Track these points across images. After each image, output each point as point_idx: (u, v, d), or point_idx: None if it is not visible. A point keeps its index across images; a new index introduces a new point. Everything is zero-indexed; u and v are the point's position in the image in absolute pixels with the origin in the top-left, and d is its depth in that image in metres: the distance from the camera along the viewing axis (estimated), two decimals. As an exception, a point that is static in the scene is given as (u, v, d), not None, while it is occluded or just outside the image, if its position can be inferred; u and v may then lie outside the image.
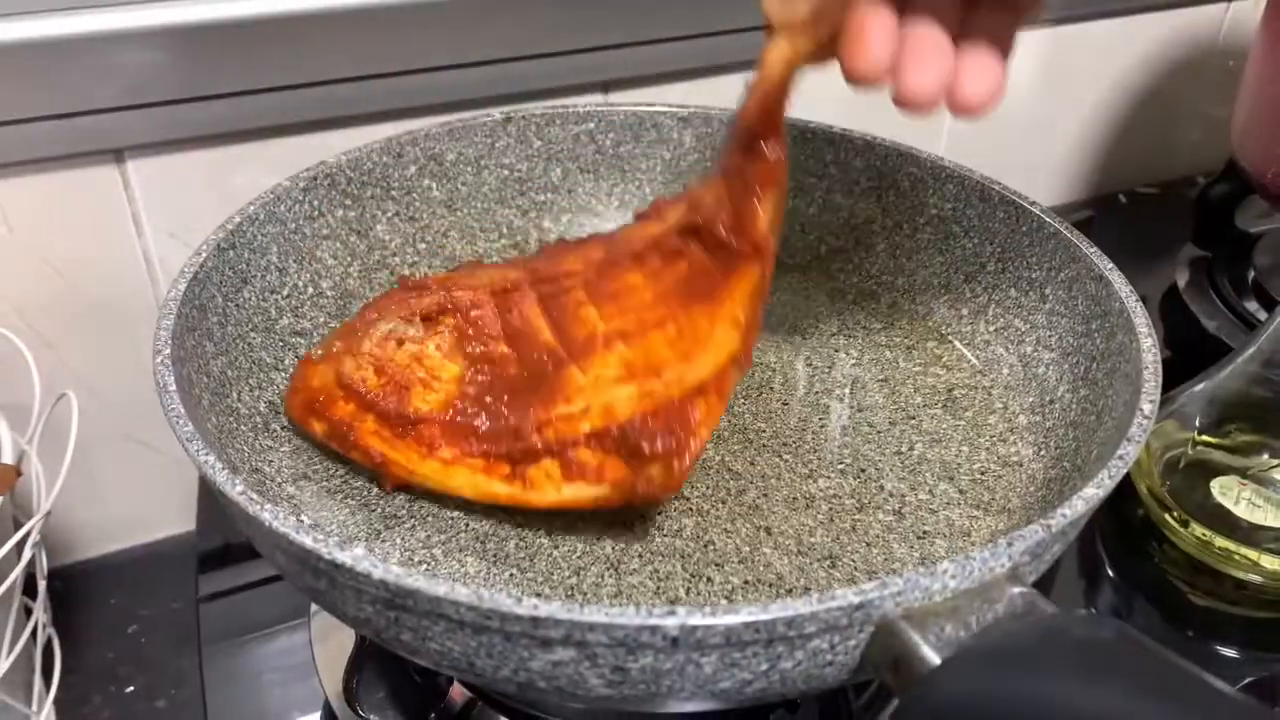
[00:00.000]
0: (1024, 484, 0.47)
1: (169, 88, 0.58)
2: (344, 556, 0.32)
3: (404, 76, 0.63)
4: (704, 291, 0.47)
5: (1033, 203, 0.54)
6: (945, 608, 0.32)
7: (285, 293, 0.53)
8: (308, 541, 0.32)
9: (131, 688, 0.62)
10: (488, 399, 0.46)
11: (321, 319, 0.54)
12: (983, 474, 0.48)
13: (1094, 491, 0.36)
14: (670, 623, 0.30)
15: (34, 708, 0.54)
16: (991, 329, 0.55)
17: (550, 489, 0.43)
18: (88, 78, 0.55)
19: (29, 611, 0.54)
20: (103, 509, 0.68)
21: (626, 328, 0.47)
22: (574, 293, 0.49)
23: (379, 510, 0.45)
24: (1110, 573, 0.60)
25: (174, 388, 0.39)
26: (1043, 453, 0.48)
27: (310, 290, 0.54)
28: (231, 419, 0.46)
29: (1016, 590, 0.33)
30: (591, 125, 0.62)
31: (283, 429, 0.48)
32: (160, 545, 0.70)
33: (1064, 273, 0.51)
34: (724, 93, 0.72)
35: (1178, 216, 0.85)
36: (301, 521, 0.36)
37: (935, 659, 0.30)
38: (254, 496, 0.34)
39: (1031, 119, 0.89)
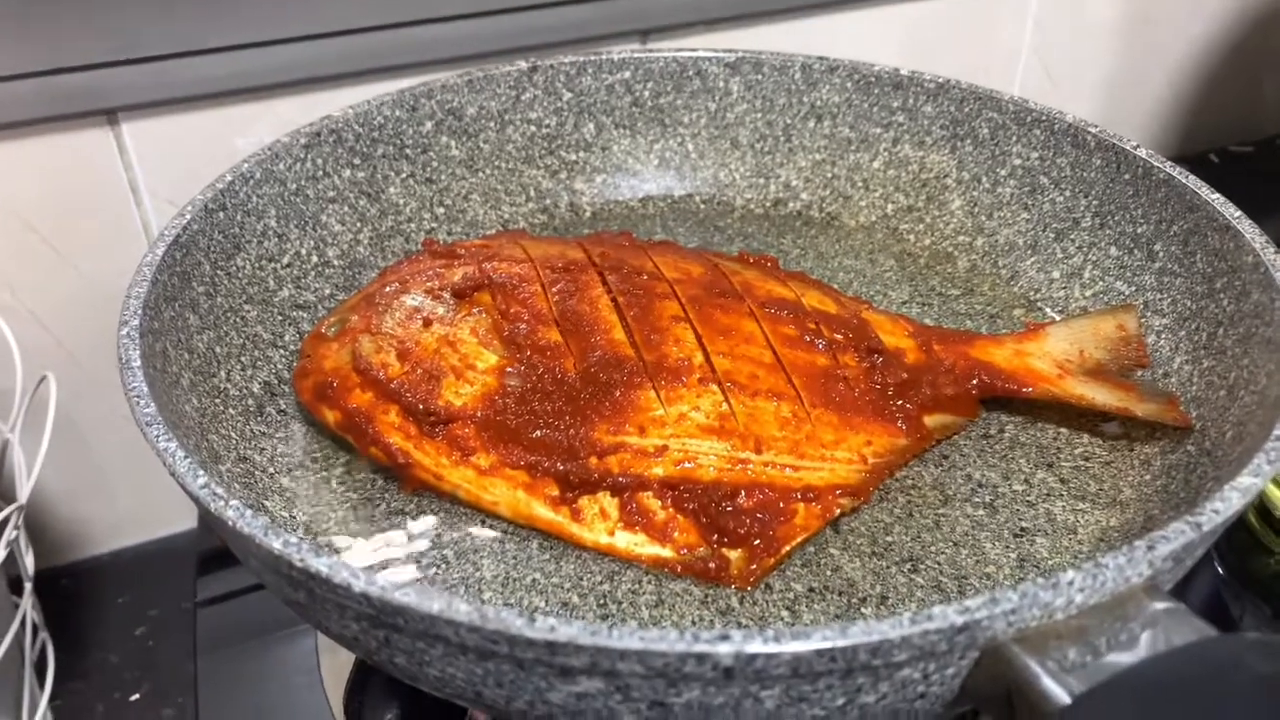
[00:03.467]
0: (1137, 470, 0.40)
1: (164, 41, 0.52)
2: (318, 564, 0.26)
3: (421, 26, 0.57)
4: (842, 404, 0.40)
5: (1136, 146, 0.46)
6: (1069, 628, 0.26)
7: (285, 261, 0.47)
8: (276, 545, 0.26)
9: (136, 695, 0.57)
10: (535, 401, 0.39)
11: (327, 291, 0.49)
12: (1086, 460, 0.41)
13: (1251, 481, 0.29)
14: (723, 650, 0.24)
15: (24, 718, 0.49)
16: (1089, 293, 0.48)
17: (601, 528, 0.37)
18: (74, 30, 0.50)
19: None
20: (110, 503, 0.64)
21: (734, 375, 0.39)
22: (667, 301, 0.42)
23: (384, 505, 0.39)
24: (1219, 569, 0.53)
25: (138, 364, 0.33)
26: (1158, 434, 0.41)
27: (315, 259, 0.49)
28: (218, 401, 0.40)
29: (1160, 606, 0.26)
30: (627, 74, 0.56)
31: (279, 413, 0.43)
32: (172, 541, 0.65)
33: (1178, 225, 0.44)
34: (777, 39, 0.66)
35: (1276, 176, 0.77)
36: (276, 519, 0.30)
37: (1063, 696, 0.24)
38: (218, 491, 0.28)
39: (1111, 72, 0.81)
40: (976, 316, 0.49)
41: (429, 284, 0.43)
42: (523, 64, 0.55)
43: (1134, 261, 0.46)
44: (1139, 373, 0.43)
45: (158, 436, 0.30)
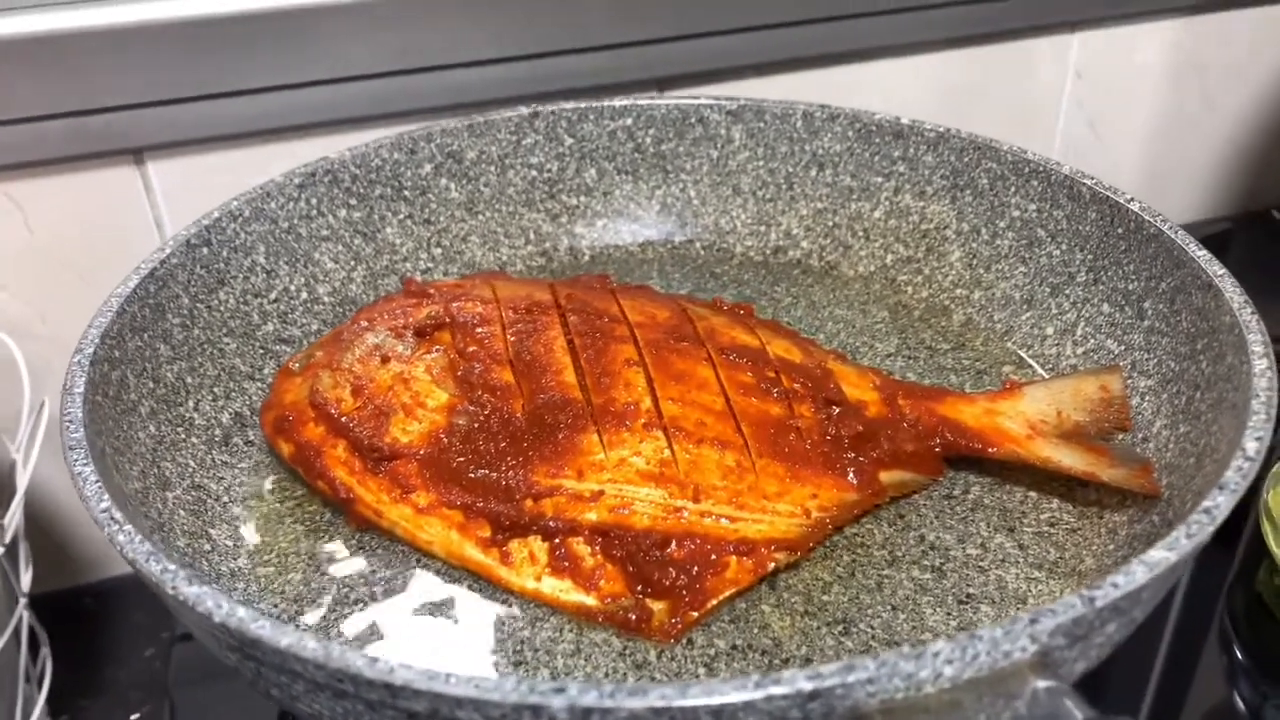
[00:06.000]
0: (1102, 540, 0.38)
1: (188, 84, 0.55)
2: (188, 591, 0.26)
3: (448, 71, 0.58)
4: (790, 455, 0.39)
5: (1130, 199, 0.44)
6: (940, 702, 0.24)
7: (272, 297, 0.49)
8: (154, 570, 0.27)
9: (137, 715, 0.58)
10: (480, 440, 0.39)
11: (315, 326, 0.50)
12: (1052, 526, 0.39)
13: (1162, 555, 0.27)
14: (557, 703, 0.23)
15: (18, 732, 0.51)
16: (1079, 351, 0.46)
17: (529, 573, 0.37)
18: (103, 73, 0.53)
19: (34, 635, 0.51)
20: (132, 524, 0.66)
21: (681, 422, 0.39)
22: (623, 345, 0.42)
23: (327, 539, 0.40)
24: (1239, 655, 0.50)
25: (80, 390, 0.35)
26: (1129, 502, 0.39)
27: (304, 295, 0.50)
28: (180, 429, 0.41)
29: (1042, 685, 0.24)
30: (629, 121, 0.56)
31: (245, 444, 0.44)
32: (189, 564, 0.67)
33: (1166, 282, 0.42)
34: (806, 90, 0.65)
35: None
36: (218, 548, 0.31)
37: (913, 775, 0.23)
38: (116, 516, 0.29)
39: (1163, 123, 0.78)
40: (963, 372, 0.48)
41: (394, 322, 0.44)
42: (524, 110, 0.56)
43: (1124, 319, 0.44)
44: (1120, 436, 0.41)
45: (75, 460, 0.31)
